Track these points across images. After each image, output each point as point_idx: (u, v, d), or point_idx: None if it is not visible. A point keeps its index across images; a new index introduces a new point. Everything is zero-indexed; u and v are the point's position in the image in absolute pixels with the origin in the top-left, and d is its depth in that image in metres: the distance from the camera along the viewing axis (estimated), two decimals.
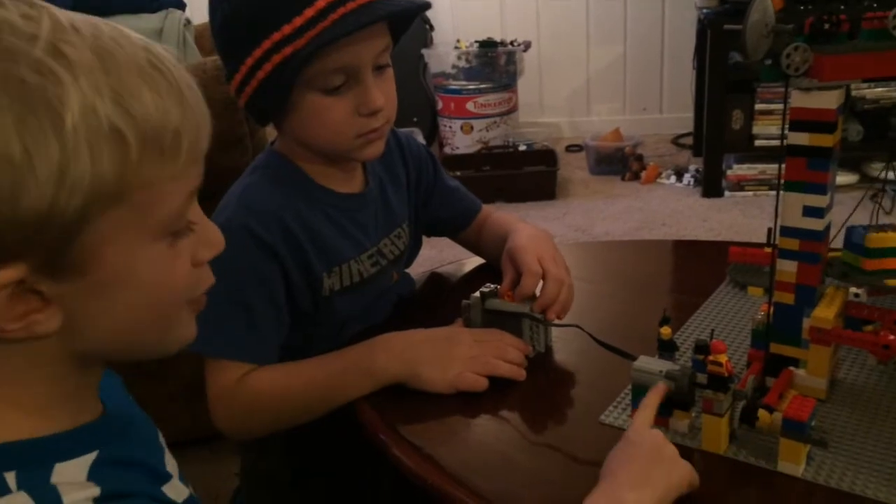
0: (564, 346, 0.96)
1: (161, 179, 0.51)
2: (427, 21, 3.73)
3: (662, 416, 0.78)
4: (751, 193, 3.10)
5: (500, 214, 1.18)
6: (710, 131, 3.11)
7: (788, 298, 0.79)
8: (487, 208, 1.20)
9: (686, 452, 0.73)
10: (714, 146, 3.11)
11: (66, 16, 0.49)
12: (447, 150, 3.61)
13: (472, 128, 3.55)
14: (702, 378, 0.76)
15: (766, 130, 3.08)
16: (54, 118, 0.45)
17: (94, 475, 0.52)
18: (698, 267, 1.20)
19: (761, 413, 0.72)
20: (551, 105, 4.08)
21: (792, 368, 0.80)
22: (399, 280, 1.09)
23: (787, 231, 0.78)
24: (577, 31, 3.95)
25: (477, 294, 0.95)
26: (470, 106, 3.53)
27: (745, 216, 2.92)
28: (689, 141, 3.69)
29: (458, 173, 3.16)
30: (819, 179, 0.75)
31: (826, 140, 0.74)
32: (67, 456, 0.52)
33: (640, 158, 3.43)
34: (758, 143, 3.11)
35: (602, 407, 0.83)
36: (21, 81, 0.45)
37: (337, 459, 1.01)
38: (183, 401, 1.46)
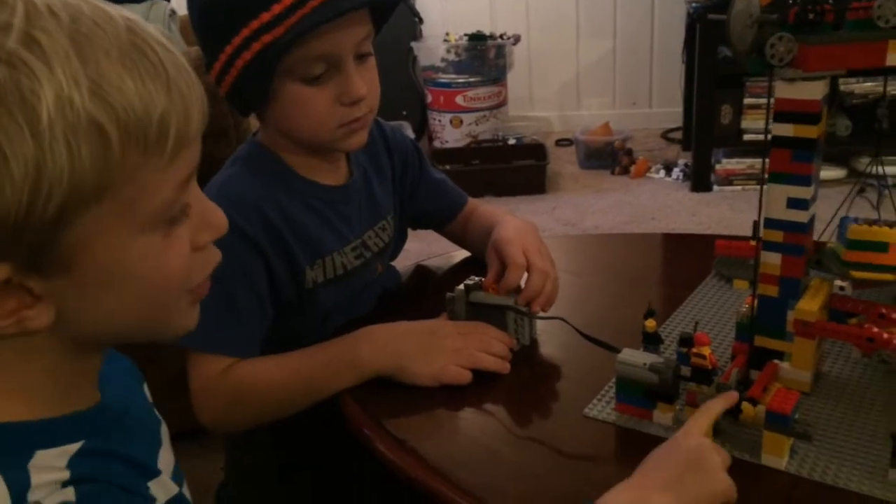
0: (549, 338, 0.95)
1: (147, 171, 0.48)
2: (416, 14, 3.71)
3: (646, 409, 0.77)
4: (739, 188, 3.11)
5: (487, 207, 1.17)
6: (700, 126, 3.11)
7: (773, 291, 0.79)
8: (474, 201, 1.19)
9: None
10: (703, 141, 3.12)
11: None
12: (436, 143, 3.60)
13: (461, 121, 3.54)
14: (686, 371, 0.76)
15: (755, 125, 3.09)
16: (28, 113, 0.43)
17: (73, 464, 0.50)
18: (686, 260, 1.20)
19: (745, 406, 0.72)
20: (541, 99, 4.08)
21: (776, 361, 0.80)
22: (384, 272, 1.08)
23: (771, 223, 0.77)
24: (566, 25, 3.95)
25: (461, 287, 0.94)
26: (459, 100, 3.53)
27: (733, 210, 2.93)
28: (678, 135, 3.70)
29: (448, 167, 3.16)
30: (803, 171, 0.75)
31: (810, 131, 0.73)
32: (50, 443, 0.50)
33: (629, 153, 3.43)
34: (746, 137, 3.11)
35: (586, 400, 0.82)
36: None
37: (323, 453, 1.01)
38: (169, 394, 1.44)
